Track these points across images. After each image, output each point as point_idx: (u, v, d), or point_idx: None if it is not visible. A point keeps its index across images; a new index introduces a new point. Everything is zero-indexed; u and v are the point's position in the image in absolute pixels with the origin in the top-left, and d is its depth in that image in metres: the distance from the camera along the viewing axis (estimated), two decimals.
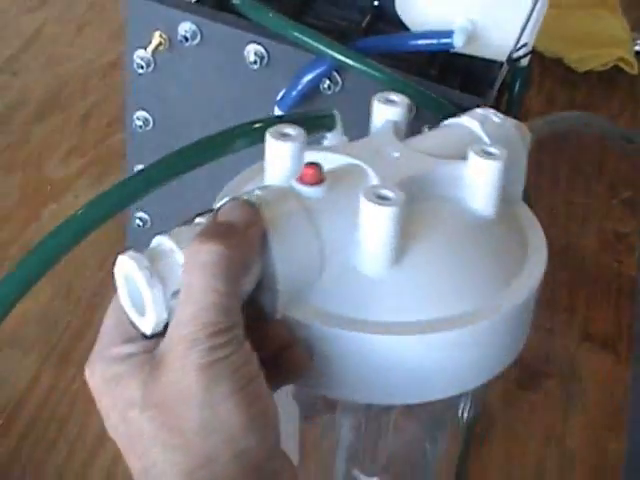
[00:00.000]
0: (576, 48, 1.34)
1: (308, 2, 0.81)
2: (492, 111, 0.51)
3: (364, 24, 0.78)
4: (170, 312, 0.39)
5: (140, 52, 0.74)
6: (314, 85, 0.70)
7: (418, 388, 0.44)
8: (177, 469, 0.37)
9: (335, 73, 0.69)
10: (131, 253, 0.39)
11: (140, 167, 0.82)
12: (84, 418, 0.78)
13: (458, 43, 0.69)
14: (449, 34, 0.69)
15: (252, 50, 0.71)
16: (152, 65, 0.75)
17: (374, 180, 0.45)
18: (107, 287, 0.87)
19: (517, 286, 0.46)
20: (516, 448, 0.83)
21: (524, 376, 0.88)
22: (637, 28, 1.42)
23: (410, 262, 0.43)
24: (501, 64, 0.71)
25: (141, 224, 0.89)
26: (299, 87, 0.70)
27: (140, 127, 0.80)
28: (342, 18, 0.80)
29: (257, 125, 0.54)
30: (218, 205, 0.42)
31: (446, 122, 0.52)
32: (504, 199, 0.47)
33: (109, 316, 0.41)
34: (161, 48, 0.73)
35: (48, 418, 0.79)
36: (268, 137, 0.45)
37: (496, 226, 0.47)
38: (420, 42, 0.71)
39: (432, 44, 0.70)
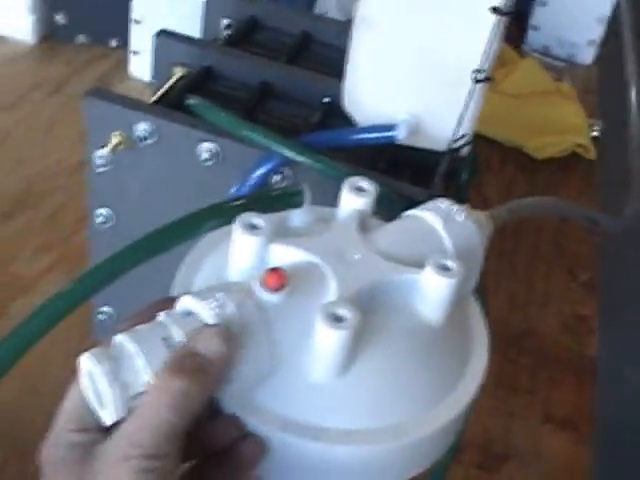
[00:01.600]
0: (534, 136, 1.38)
1: (261, 101, 0.83)
2: (455, 207, 0.51)
3: (314, 120, 0.80)
4: (131, 411, 0.39)
5: (100, 151, 0.77)
6: (264, 180, 0.72)
7: None
8: None
9: (285, 168, 0.72)
10: (93, 353, 0.40)
11: None
12: None
13: (401, 136, 0.72)
14: (392, 127, 0.72)
15: (205, 148, 0.73)
16: (112, 164, 0.78)
17: (333, 288, 0.45)
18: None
19: (453, 399, 0.46)
20: None
21: (485, 459, 0.88)
22: (593, 114, 1.46)
23: (356, 373, 0.44)
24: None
25: (106, 317, 0.90)
26: (250, 182, 0.72)
27: (102, 224, 0.82)
28: (294, 115, 0.82)
29: (225, 207, 0.56)
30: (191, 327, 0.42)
31: (409, 213, 0.52)
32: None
33: (69, 399, 0.42)
34: (120, 147, 0.76)
35: None
36: (235, 228, 0.45)
37: (443, 334, 0.47)
38: (365, 136, 0.74)
39: (377, 137, 0.73)
